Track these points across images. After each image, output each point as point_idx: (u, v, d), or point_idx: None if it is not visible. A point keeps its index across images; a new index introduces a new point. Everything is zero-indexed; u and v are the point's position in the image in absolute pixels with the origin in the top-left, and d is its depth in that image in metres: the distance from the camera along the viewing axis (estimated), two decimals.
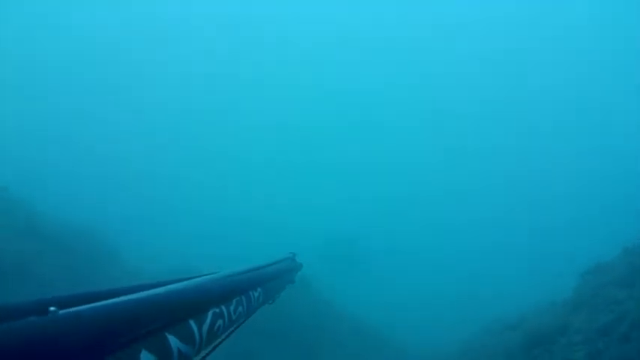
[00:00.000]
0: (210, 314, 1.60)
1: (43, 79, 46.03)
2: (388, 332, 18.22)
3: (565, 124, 51.71)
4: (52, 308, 0.90)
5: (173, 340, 1.29)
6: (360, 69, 59.83)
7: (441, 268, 30.80)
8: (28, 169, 26.22)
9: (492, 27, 57.39)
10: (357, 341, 15.66)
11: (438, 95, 57.89)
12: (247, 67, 58.95)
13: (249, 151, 52.29)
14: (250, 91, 58.05)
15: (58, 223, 14.75)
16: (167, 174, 43.68)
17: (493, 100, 56.01)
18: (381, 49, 59.63)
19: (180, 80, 56.13)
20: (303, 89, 57.70)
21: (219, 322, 1.67)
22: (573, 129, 50.72)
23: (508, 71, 56.10)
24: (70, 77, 47.67)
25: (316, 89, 57.95)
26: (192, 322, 1.45)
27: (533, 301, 14.57)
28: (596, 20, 52.57)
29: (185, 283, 1.53)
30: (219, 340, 1.71)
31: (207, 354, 1.59)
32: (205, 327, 1.53)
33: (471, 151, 53.41)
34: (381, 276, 27.63)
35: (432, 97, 58.03)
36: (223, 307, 1.74)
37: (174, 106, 53.19)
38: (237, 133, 54.08)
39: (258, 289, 2.27)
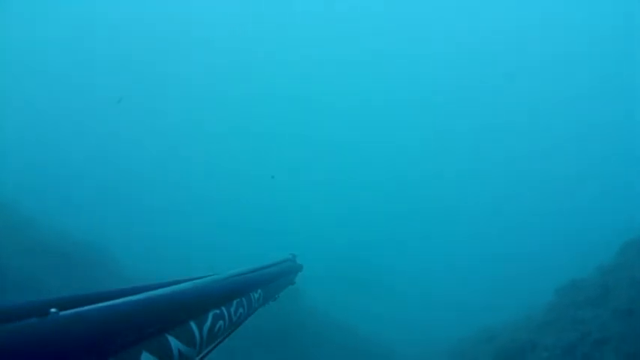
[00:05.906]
0: (210, 315, 1.59)
1: (41, 85, 45.08)
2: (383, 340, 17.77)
3: (569, 129, 50.41)
4: (52, 310, 0.89)
5: (174, 342, 1.28)
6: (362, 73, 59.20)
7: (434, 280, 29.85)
8: (28, 179, 25.93)
9: (492, 25, 56.85)
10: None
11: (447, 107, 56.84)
12: (252, 74, 58.01)
13: (253, 156, 51.45)
14: (254, 97, 57.29)
15: (57, 236, 14.55)
16: (169, 180, 43.01)
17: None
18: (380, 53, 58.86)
19: (181, 86, 55.02)
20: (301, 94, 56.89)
21: (220, 323, 1.66)
22: (578, 132, 49.37)
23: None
24: (67, 83, 46.55)
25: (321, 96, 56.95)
26: (192, 324, 1.43)
27: (516, 313, 14.68)
28: (598, 20, 51.98)
29: (186, 284, 1.52)
30: (219, 340, 1.70)
31: (207, 353, 1.58)
32: (206, 328, 1.52)
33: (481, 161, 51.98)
34: (391, 294, 26.37)
35: (438, 105, 57.05)
36: (224, 309, 1.72)
37: (177, 111, 52.29)
38: (241, 139, 53.18)
39: (259, 291, 2.26)
